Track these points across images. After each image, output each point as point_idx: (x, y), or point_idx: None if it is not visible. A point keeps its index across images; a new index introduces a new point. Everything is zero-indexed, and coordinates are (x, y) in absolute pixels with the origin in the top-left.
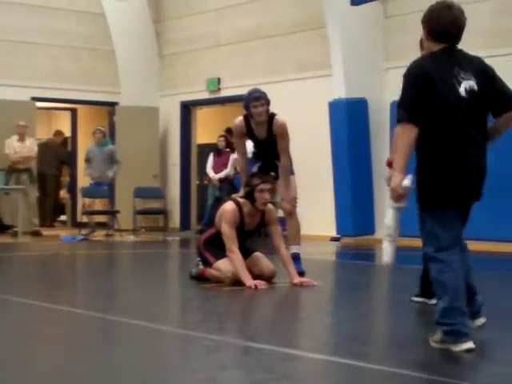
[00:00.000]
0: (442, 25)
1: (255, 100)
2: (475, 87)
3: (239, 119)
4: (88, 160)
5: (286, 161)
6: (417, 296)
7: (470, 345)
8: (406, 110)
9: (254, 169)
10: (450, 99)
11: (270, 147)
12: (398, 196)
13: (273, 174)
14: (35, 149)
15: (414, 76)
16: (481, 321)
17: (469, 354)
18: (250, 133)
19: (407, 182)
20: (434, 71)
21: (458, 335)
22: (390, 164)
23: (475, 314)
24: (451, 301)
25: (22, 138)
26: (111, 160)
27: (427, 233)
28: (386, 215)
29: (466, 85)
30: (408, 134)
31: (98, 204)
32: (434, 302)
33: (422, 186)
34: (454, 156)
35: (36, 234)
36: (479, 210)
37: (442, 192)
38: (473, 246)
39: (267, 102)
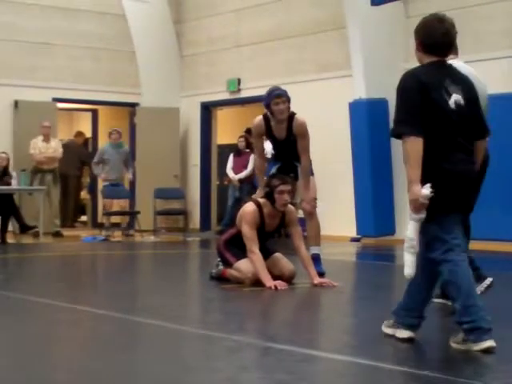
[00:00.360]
0: (434, 37)
1: (277, 97)
2: (462, 102)
3: (259, 118)
4: (101, 161)
5: (306, 161)
6: (437, 297)
7: (491, 343)
8: (407, 123)
9: (273, 170)
10: (442, 109)
11: (289, 148)
12: (418, 207)
13: (292, 175)
14: (60, 150)
15: (411, 88)
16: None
17: (488, 355)
18: (269, 133)
19: (426, 190)
20: (428, 81)
21: (480, 332)
22: None
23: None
24: (467, 298)
25: (46, 139)
26: (126, 162)
27: (432, 238)
28: (408, 227)
29: (455, 98)
30: (415, 145)
31: (116, 205)
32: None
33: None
34: (449, 163)
35: (57, 234)
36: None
37: (444, 199)
38: (481, 245)
39: (288, 100)
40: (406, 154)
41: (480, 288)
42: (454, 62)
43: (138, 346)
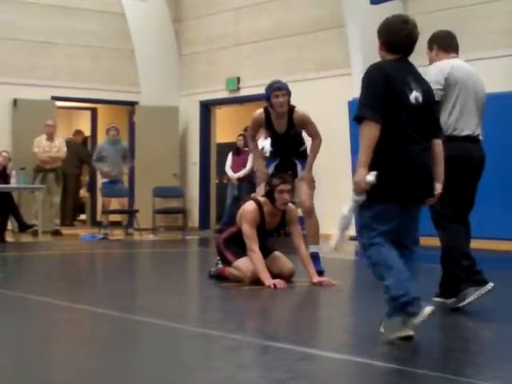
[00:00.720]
0: (398, 38)
1: (277, 90)
2: (420, 99)
3: (259, 111)
4: (100, 158)
5: (317, 144)
6: (437, 296)
7: (431, 307)
8: (369, 108)
9: (272, 167)
10: (402, 102)
11: (288, 143)
12: (359, 190)
13: (290, 172)
14: (64, 149)
15: (376, 77)
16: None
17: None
18: (269, 126)
19: (371, 177)
20: (392, 74)
21: (413, 303)
22: None
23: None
24: (398, 273)
25: (50, 138)
26: (124, 157)
27: (363, 225)
28: (345, 206)
29: (416, 94)
30: (371, 131)
31: (116, 203)
32: (451, 301)
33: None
34: (399, 154)
35: (56, 233)
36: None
37: (386, 187)
38: (488, 245)
39: (288, 93)
40: (362, 137)
41: (481, 291)
42: (455, 60)
43: (137, 345)
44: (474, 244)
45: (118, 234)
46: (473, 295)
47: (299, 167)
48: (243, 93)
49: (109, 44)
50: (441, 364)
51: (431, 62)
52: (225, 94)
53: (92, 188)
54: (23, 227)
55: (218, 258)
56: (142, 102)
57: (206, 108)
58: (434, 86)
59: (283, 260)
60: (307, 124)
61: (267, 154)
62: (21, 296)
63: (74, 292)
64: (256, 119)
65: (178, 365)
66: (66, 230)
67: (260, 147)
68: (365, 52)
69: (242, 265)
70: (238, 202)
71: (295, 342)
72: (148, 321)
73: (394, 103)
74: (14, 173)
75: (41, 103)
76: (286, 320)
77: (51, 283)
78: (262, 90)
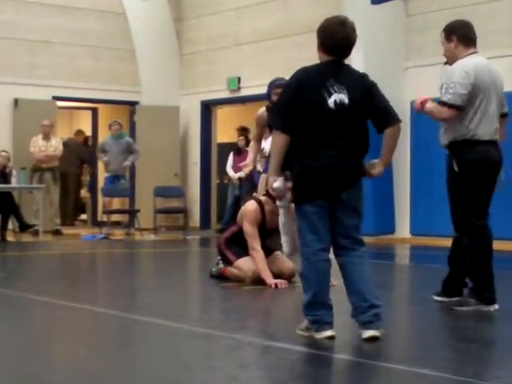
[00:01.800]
0: (335, 41)
1: (277, 87)
2: (345, 101)
3: (262, 109)
4: (103, 152)
5: None
6: (438, 295)
7: (330, 333)
8: (278, 118)
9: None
10: (315, 108)
11: None
12: (277, 196)
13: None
14: (60, 148)
15: (289, 87)
16: (369, 333)
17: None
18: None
19: (276, 183)
20: (306, 82)
21: (320, 324)
22: None
23: (364, 325)
24: (314, 296)
25: (46, 137)
26: (129, 151)
27: (298, 227)
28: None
29: (337, 97)
30: (278, 140)
31: (117, 202)
32: (453, 300)
33: (293, 185)
34: (310, 158)
35: (57, 232)
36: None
37: (302, 189)
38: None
39: None
40: (271, 145)
41: (481, 308)
42: (477, 59)
43: (138, 345)
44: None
45: (118, 233)
46: (472, 307)
47: None
48: (244, 92)
49: (109, 44)
50: (442, 364)
51: (449, 53)
52: (225, 94)
53: (93, 188)
54: (24, 227)
55: (219, 257)
56: (142, 101)
57: (207, 108)
58: (460, 91)
59: (284, 260)
60: None
61: (267, 155)
62: (21, 295)
63: (74, 291)
64: (259, 117)
65: (178, 364)
66: (66, 230)
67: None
68: (366, 52)
69: (244, 264)
70: (238, 201)
71: (296, 342)
72: (149, 320)
73: (304, 111)
74: (14, 172)
75: (41, 103)
76: (287, 320)
77: (52, 283)
78: (262, 90)
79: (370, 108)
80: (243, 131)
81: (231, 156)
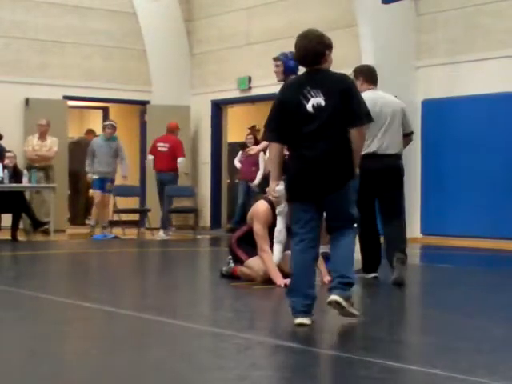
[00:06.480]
0: (298, 55)
1: (273, 60)
2: (322, 103)
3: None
4: (93, 154)
5: None
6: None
7: (299, 320)
8: (269, 129)
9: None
10: (296, 115)
11: None
12: (275, 201)
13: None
14: (55, 148)
15: (276, 100)
16: (332, 298)
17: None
18: None
19: (278, 187)
20: (286, 94)
21: (293, 311)
22: None
23: (331, 290)
24: (292, 283)
25: (42, 137)
26: (115, 155)
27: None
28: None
29: (314, 101)
30: (272, 149)
31: (121, 201)
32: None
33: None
34: (296, 158)
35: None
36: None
37: (291, 189)
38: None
39: (283, 63)
40: (269, 155)
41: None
42: (370, 92)
43: (149, 344)
44: (489, 244)
45: (129, 233)
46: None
47: None
48: (254, 92)
49: (120, 43)
50: (452, 364)
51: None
52: (236, 94)
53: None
54: (37, 225)
55: (230, 256)
56: (153, 101)
57: (218, 107)
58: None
59: None
60: None
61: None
62: (33, 295)
63: (85, 291)
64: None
65: (189, 364)
66: (77, 229)
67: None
68: (376, 51)
69: (254, 264)
70: (249, 201)
71: (306, 342)
72: (159, 320)
73: (288, 118)
74: (25, 172)
75: (53, 102)
76: None
77: (62, 282)
78: (273, 90)
79: (346, 108)
80: (252, 130)
81: (240, 152)
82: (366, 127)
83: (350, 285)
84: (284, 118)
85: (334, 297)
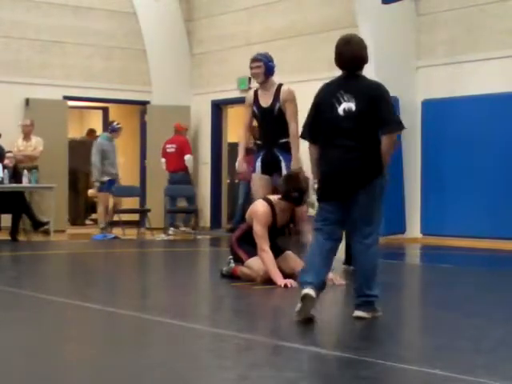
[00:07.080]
0: (341, 60)
1: (251, 61)
2: (353, 108)
3: (253, 89)
4: (104, 155)
5: (294, 128)
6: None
7: (307, 291)
8: (304, 130)
9: (258, 162)
10: (328, 117)
11: (272, 121)
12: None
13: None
14: (40, 148)
15: (313, 102)
16: (357, 313)
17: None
18: (256, 102)
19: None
20: (322, 96)
21: (302, 284)
22: None
23: (357, 306)
24: (306, 266)
25: (26, 137)
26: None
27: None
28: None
29: (346, 106)
30: (310, 149)
31: (123, 201)
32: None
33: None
34: (325, 160)
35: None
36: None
37: (320, 190)
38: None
39: (265, 64)
40: (309, 153)
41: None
42: None
43: (149, 344)
44: (489, 244)
45: (129, 233)
46: None
47: (283, 164)
48: None
49: (120, 43)
50: (451, 364)
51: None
52: (236, 94)
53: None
54: (37, 225)
55: (230, 256)
56: (153, 101)
57: (218, 107)
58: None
59: (295, 259)
60: (291, 101)
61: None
62: (33, 295)
63: (85, 291)
64: (247, 97)
65: (189, 364)
66: (77, 230)
67: None
68: (377, 51)
69: (255, 264)
70: (249, 200)
71: (307, 342)
72: (160, 320)
73: (320, 120)
74: (25, 172)
75: (53, 103)
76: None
77: (62, 282)
78: None
79: (375, 116)
80: (252, 130)
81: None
82: (395, 135)
83: (374, 302)
84: (317, 118)
85: (359, 313)
